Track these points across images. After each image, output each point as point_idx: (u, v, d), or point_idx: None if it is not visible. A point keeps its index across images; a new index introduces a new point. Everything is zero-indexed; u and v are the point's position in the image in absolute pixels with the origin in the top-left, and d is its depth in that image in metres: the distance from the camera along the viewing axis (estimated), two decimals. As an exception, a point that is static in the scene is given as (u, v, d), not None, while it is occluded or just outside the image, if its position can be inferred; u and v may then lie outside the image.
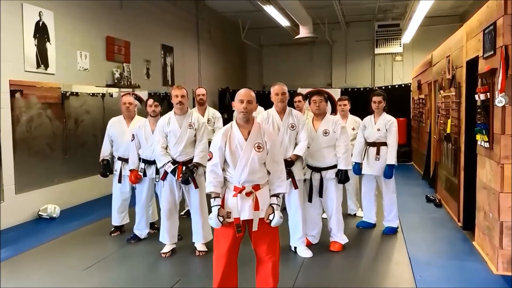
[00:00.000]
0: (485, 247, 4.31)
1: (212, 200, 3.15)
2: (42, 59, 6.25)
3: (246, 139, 3.16)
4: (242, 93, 3.21)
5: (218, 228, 3.15)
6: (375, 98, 5.23)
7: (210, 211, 3.21)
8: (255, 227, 3.13)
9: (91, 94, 7.29)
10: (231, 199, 3.14)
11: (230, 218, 3.12)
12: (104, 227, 5.45)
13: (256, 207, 3.11)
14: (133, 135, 4.88)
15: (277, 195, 3.20)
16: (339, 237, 4.64)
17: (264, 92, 12.68)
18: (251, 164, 3.11)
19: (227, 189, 3.19)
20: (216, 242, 3.25)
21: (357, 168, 5.29)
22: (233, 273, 3.24)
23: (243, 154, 3.12)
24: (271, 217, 3.12)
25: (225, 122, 6.69)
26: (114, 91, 7.81)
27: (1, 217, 5.47)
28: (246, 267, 3.56)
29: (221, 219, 3.09)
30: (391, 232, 5.19)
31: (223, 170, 3.19)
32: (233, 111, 7.55)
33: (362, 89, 12.70)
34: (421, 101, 9.69)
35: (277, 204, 3.17)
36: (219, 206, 3.12)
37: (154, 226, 5.29)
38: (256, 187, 3.14)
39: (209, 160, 3.22)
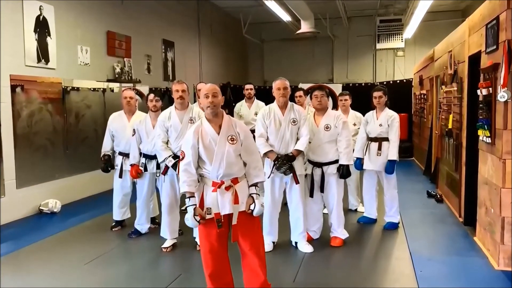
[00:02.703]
0: (486, 243, 4.30)
1: (187, 200, 3.09)
2: (42, 53, 6.24)
3: (218, 133, 3.12)
4: (207, 88, 3.17)
5: (200, 227, 3.11)
6: (375, 94, 5.22)
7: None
8: (234, 221, 3.10)
9: (92, 89, 7.28)
10: (210, 194, 3.10)
11: (210, 214, 3.07)
12: (105, 222, 5.45)
13: (236, 200, 3.09)
14: (134, 130, 4.88)
15: (255, 185, 3.19)
16: (339, 232, 4.64)
17: (265, 87, 12.68)
18: (227, 158, 3.08)
19: (205, 185, 3.15)
20: (200, 241, 3.22)
21: (359, 163, 5.28)
22: (225, 270, 3.20)
23: (218, 149, 3.08)
24: (252, 207, 3.11)
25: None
26: (115, 86, 7.80)
27: (3, 211, 5.48)
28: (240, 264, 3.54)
29: (198, 218, 3.04)
30: (392, 227, 5.18)
31: (198, 167, 3.14)
32: (234, 105, 7.58)
33: (363, 84, 12.67)
34: (422, 96, 9.67)
35: (256, 194, 3.16)
36: (195, 206, 3.07)
37: (155, 221, 5.29)
38: (235, 180, 3.12)
39: (181, 160, 3.16)
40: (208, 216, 3.07)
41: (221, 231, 3.09)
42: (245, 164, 3.20)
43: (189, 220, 3.04)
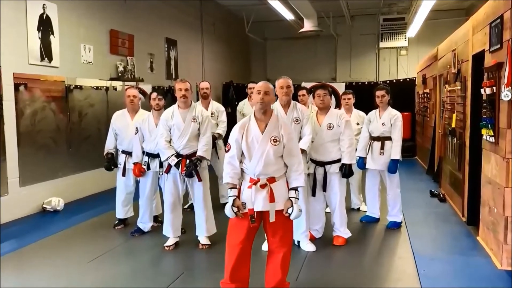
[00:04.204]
0: (489, 242, 4.29)
1: (228, 190, 3.21)
2: (46, 52, 6.25)
3: (262, 132, 3.19)
4: (260, 85, 3.27)
5: (233, 219, 3.20)
6: (378, 93, 5.21)
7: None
8: (272, 218, 3.16)
9: (95, 87, 7.29)
10: (246, 190, 3.20)
11: (245, 208, 3.16)
12: (108, 221, 5.46)
13: (272, 198, 3.15)
14: (136, 128, 4.89)
15: (295, 189, 3.22)
16: (342, 231, 4.63)
17: (268, 86, 12.63)
18: (266, 157, 3.15)
19: (243, 180, 3.24)
20: (230, 232, 3.29)
21: (361, 162, 5.28)
22: (245, 264, 3.26)
23: (258, 147, 3.16)
24: (289, 210, 3.16)
25: (229, 115, 6.70)
26: (118, 84, 7.81)
27: (7, 210, 5.49)
28: (255, 258, 3.53)
29: (235, 209, 3.14)
30: (395, 226, 5.18)
31: (240, 162, 3.23)
32: (237, 104, 7.57)
33: (366, 83, 12.63)
34: (426, 95, 9.64)
35: (295, 198, 3.20)
36: (234, 197, 3.17)
37: (158, 220, 5.30)
38: (271, 179, 3.18)
39: (227, 151, 3.27)
40: (243, 210, 3.16)
41: (252, 227, 3.17)
42: (287, 166, 3.25)
43: (227, 210, 3.16)
